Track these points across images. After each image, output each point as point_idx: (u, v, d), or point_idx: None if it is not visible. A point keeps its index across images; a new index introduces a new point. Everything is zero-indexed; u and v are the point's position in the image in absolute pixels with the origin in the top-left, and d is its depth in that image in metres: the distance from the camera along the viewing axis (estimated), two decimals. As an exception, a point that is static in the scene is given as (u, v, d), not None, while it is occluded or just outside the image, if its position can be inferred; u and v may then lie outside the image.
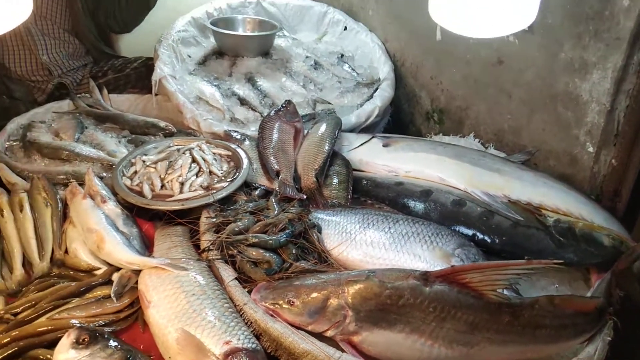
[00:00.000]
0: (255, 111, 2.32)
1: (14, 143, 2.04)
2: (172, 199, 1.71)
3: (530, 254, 1.58)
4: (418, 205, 1.74)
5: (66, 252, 1.58)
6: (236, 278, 1.42)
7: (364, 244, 1.51)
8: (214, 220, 1.60)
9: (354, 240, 1.53)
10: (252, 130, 2.17)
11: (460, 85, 2.25)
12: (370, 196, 1.85)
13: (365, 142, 2.06)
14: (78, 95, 2.35)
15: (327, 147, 1.93)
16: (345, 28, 2.80)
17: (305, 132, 2.11)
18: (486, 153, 1.95)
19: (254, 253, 1.47)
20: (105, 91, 2.41)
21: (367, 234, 1.53)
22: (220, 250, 1.50)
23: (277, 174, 1.89)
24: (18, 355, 1.24)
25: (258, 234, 1.50)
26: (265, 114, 2.18)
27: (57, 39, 2.49)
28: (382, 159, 1.97)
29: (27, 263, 1.55)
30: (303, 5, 2.90)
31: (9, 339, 1.24)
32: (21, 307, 1.33)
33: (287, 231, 1.51)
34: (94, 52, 2.64)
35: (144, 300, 1.33)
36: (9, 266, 1.53)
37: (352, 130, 2.21)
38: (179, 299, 1.28)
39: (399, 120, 2.64)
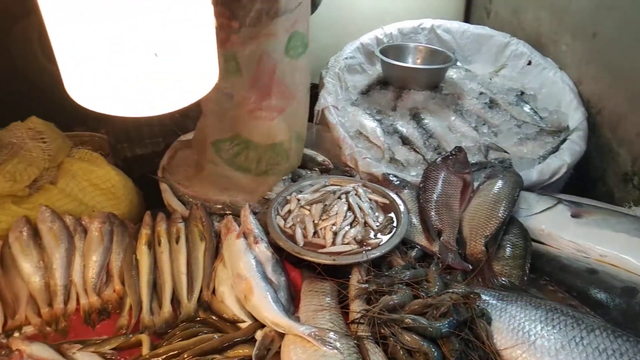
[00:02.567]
0: (418, 153, 2.12)
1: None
2: (324, 250, 1.58)
3: None
4: (617, 307, 1.39)
5: (214, 292, 1.54)
6: (387, 367, 1.24)
7: (546, 354, 1.22)
8: (367, 286, 1.43)
9: (533, 344, 1.25)
10: (412, 175, 1.98)
11: (680, 149, 1.81)
12: (552, 280, 1.53)
13: (548, 208, 1.75)
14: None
15: (502, 212, 1.66)
16: (529, 63, 2.47)
17: (475, 185, 1.85)
18: None
19: (409, 339, 1.26)
20: (267, 115, 2.39)
21: (551, 341, 1.24)
22: (371, 326, 1.32)
23: (439, 234, 1.68)
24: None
25: (416, 317, 1.30)
26: (431, 160, 1.97)
27: None
28: (569, 233, 1.64)
29: (175, 299, 1.53)
30: (482, 34, 2.62)
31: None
32: (164, 356, 1.30)
33: (450, 320, 1.28)
34: None
35: (284, 376, 1.21)
36: (159, 300, 1.52)
37: (530, 188, 1.90)
38: (322, 387, 1.13)
39: (586, 174, 2.24)
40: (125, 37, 0.75)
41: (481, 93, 2.36)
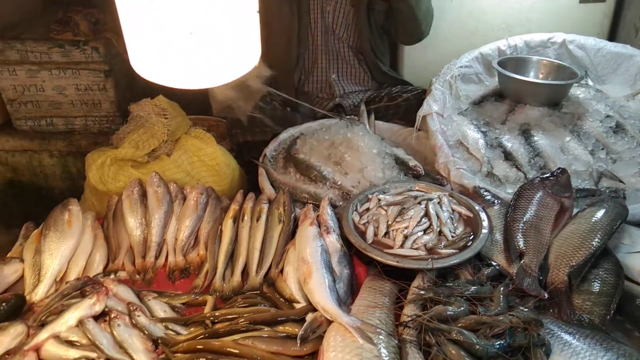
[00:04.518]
0: (520, 170, 1.99)
1: (280, 152, 2.23)
2: (390, 251, 1.58)
3: None
4: None
5: (282, 271, 1.63)
6: (423, 374, 1.21)
7: (603, 401, 1.10)
8: (423, 293, 1.40)
9: (590, 387, 1.13)
10: (508, 192, 1.87)
11: None
12: (640, 327, 1.36)
13: (656, 248, 1.54)
14: (347, 117, 2.41)
15: (595, 242, 1.51)
16: (675, 88, 2.18)
17: (575, 212, 1.70)
18: None
19: (453, 352, 1.22)
20: (372, 117, 2.42)
21: (612, 388, 1.11)
22: (418, 332, 1.30)
23: (520, 256, 1.57)
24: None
25: (465, 332, 1.24)
26: (530, 178, 1.84)
27: (344, 59, 2.63)
28: (675, 280, 1.44)
29: (245, 271, 1.64)
30: (622, 52, 2.38)
31: (196, 346, 1.32)
32: (220, 318, 1.41)
33: (502, 342, 1.21)
34: (376, 72, 2.69)
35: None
36: (232, 269, 1.65)
37: (641, 224, 1.69)
38: (351, 377, 1.14)
39: None
40: (167, 20, 0.87)
41: (607, 116, 2.14)
